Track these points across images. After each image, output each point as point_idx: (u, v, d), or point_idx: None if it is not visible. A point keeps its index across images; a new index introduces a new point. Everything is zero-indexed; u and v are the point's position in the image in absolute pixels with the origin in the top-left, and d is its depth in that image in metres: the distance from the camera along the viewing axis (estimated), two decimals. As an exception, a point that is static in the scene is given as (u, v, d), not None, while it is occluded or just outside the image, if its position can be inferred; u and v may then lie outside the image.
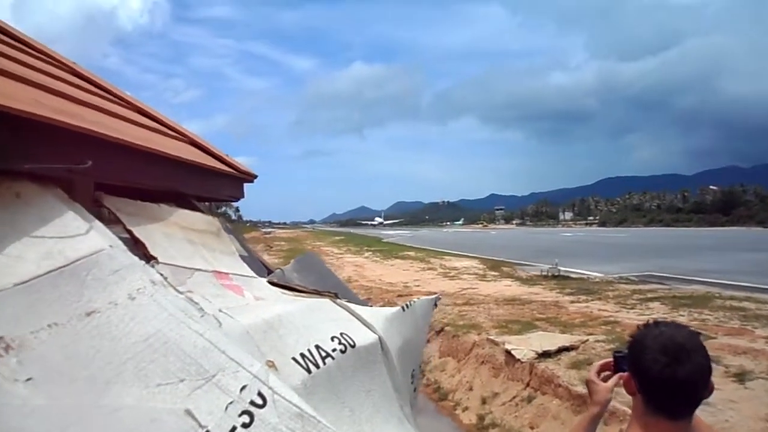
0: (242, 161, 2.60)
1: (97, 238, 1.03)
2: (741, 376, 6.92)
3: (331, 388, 1.26)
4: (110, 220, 1.24)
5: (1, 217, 0.96)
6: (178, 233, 1.47)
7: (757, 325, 9.75)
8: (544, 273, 19.93)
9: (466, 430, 7.99)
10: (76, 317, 0.87)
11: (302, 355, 1.24)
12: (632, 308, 12.13)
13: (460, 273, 22.00)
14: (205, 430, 0.87)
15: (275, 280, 1.75)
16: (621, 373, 1.71)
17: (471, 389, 8.96)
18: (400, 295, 16.58)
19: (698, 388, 1.54)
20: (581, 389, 7.78)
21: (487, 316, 12.18)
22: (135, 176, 1.45)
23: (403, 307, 1.85)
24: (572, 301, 13.53)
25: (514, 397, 8.08)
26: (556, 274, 19.54)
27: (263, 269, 1.91)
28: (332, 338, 1.37)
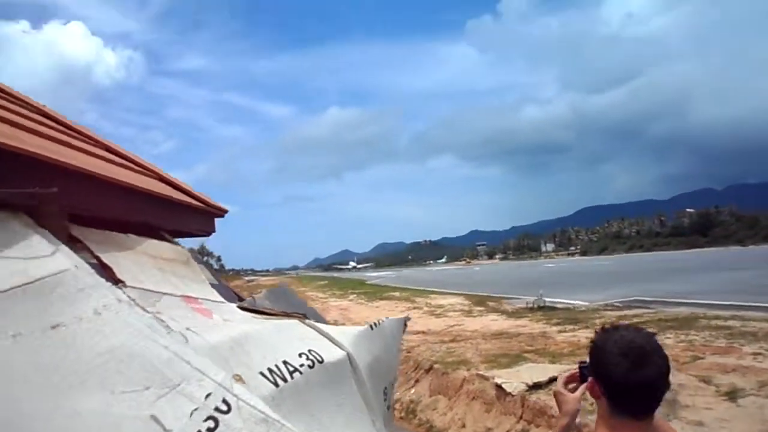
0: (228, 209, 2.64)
1: (63, 259, 1.06)
2: (733, 394, 6.94)
3: (300, 401, 1.27)
4: (78, 248, 1.27)
5: None
6: (147, 261, 1.50)
7: (743, 342, 9.86)
8: (530, 305, 19.94)
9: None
10: (40, 329, 0.90)
11: (270, 370, 1.25)
12: (618, 334, 12.17)
13: (446, 310, 21.87)
14: None
15: (246, 305, 1.78)
16: (586, 383, 1.75)
17: (464, 426, 8.78)
18: (387, 336, 16.34)
19: (660, 387, 1.59)
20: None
21: (476, 351, 12.07)
22: (103, 208, 1.49)
23: (371, 326, 1.87)
24: (560, 331, 13.53)
25: (507, 431, 7.94)
26: (542, 305, 19.57)
27: (234, 297, 1.93)
28: (300, 354, 1.39)
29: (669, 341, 10.37)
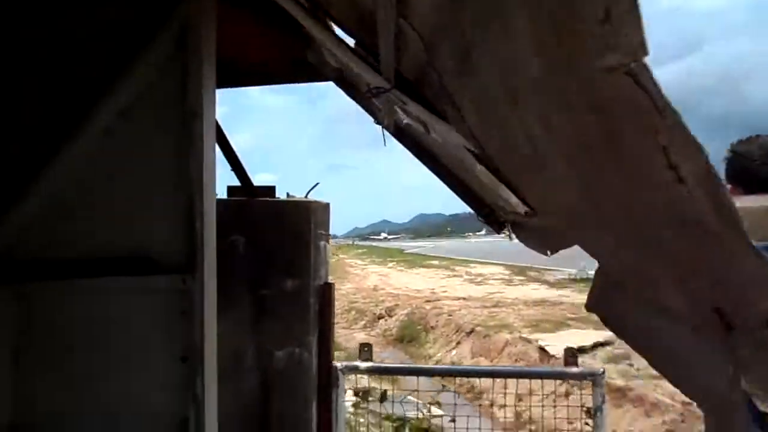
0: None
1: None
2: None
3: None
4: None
5: None
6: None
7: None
8: (573, 276, 19.67)
9: (503, 428, 7.91)
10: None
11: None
12: (667, 303, 11.90)
13: (485, 279, 21.91)
14: None
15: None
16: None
17: (505, 387, 8.88)
18: (427, 300, 16.55)
19: None
20: (620, 382, 7.67)
21: (517, 316, 12.10)
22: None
23: None
24: (604, 301, 13.32)
25: (552, 392, 7.99)
26: (585, 277, 19.27)
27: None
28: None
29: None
